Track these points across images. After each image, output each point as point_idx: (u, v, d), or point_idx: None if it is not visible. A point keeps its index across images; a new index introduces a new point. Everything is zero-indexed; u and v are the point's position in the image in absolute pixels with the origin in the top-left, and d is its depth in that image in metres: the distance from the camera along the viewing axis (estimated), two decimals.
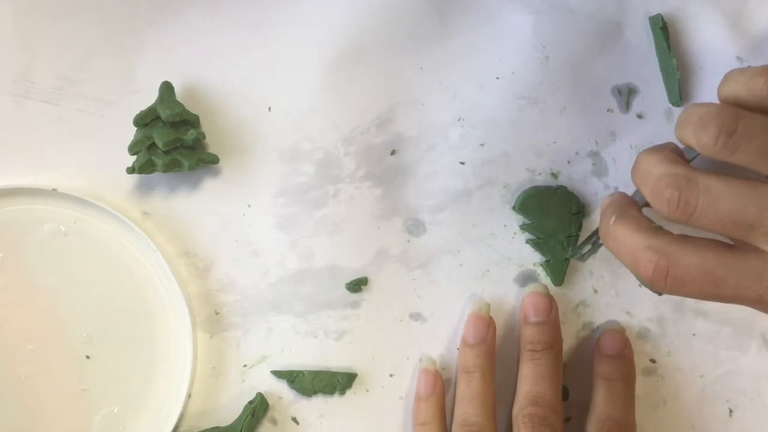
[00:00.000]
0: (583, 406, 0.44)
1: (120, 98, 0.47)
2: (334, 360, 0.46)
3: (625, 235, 0.35)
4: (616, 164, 0.46)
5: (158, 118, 0.44)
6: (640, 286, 0.45)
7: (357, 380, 0.46)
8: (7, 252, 0.46)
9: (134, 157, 0.44)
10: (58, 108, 0.47)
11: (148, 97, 0.45)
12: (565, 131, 0.47)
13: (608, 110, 0.47)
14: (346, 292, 0.46)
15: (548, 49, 0.47)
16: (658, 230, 0.35)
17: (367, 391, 0.46)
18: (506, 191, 0.46)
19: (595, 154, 0.47)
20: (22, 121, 0.47)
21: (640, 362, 0.46)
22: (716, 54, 0.46)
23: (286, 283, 0.46)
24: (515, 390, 0.43)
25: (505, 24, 0.47)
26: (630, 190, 0.41)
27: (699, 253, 0.33)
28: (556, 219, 0.45)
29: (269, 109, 0.47)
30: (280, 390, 0.46)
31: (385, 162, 0.47)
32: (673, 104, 0.46)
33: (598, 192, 0.46)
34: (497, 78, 0.47)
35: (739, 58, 0.46)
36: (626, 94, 0.47)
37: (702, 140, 0.33)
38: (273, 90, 0.47)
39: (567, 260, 0.46)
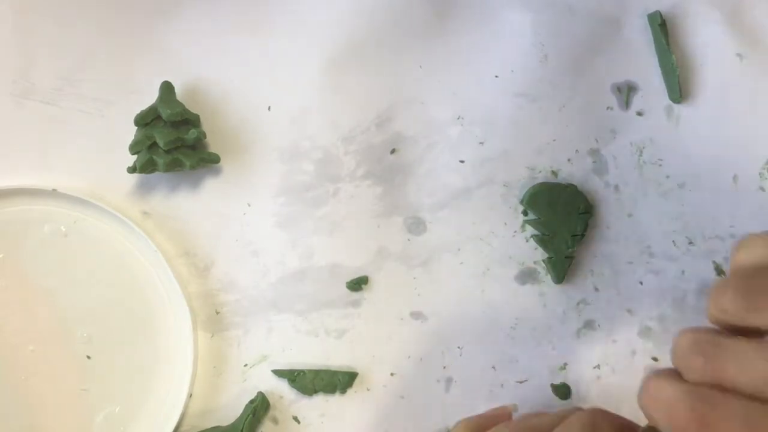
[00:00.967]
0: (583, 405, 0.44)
1: (120, 98, 0.47)
2: (335, 359, 0.46)
3: (661, 385, 0.31)
4: (616, 162, 0.46)
5: (159, 117, 0.45)
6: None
7: (358, 379, 0.46)
8: (7, 252, 0.46)
9: (135, 157, 0.45)
10: (58, 108, 0.47)
11: (148, 97, 0.45)
12: (564, 129, 0.47)
13: (608, 108, 0.47)
14: (347, 290, 0.46)
15: (547, 47, 0.47)
16: (698, 385, 0.31)
17: (368, 390, 0.46)
18: (506, 189, 0.46)
19: (595, 152, 0.47)
20: (22, 121, 0.47)
21: (643, 360, 0.46)
22: (715, 50, 0.46)
23: (287, 283, 0.46)
24: None
25: (504, 22, 0.47)
26: (631, 187, 0.41)
27: (741, 403, 0.29)
28: (562, 216, 0.45)
29: (269, 108, 0.47)
30: (281, 389, 0.46)
31: (385, 161, 0.47)
32: (673, 101, 0.46)
33: (598, 190, 0.46)
34: (496, 76, 0.47)
35: (738, 55, 0.46)
36: (626, 92, 0.47)
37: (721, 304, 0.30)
38: (273, 90, 0.47)
39: (569, 258, 0.45)
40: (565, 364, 0.46)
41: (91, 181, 0.46)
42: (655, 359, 0.46)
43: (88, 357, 0.46)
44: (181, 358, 0.45)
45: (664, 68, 0.46)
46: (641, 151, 0.46)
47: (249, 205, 0.47)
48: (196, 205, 0.47)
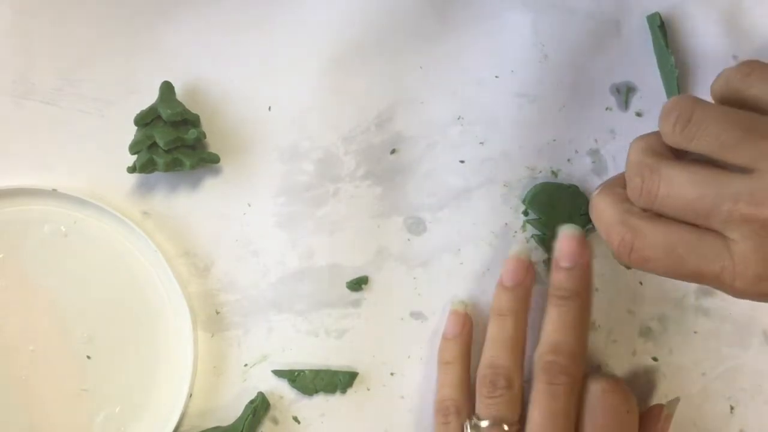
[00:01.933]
0: None
1: (120, 98, 0.47)
2: (335, 359, 0.46)
3: (603, 207, 0.37)
4: (615, 162, 0.47)
5: (159, 117, 0.45)
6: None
7: (358, 379, 0.46)
8: (7, 252, 0.46)
9: (134, 157, 0.45)
10: (57, 108, 0.47)
11: (148, 97, 0.45)
12: (564, 129, 0.47)
13: (607, 108, 0.47)
14: (347, 290, 0.46)
15: (547, 47, 0.47)
16: (632, 207, 0.36)
17: (368, 389, 0.46)
18: (506, 189, 0.47)
19: (594, 152, 0.47)
20: (22, 121, 0.47)
21: (643, 360, 0.46)
22: (714, 51, 0.47)
23: (287, 282, 0.46)
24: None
25: (504, 22, 0.47)
26: None
27: (664, 231, 0.34)
28: (564, 217, 0.45)
29: (269, 108, 0.47)
30: (281, 389, 0.46)
31: (385, 161, 0.47)
32: None
33: None
34: (496, 76, 0.47)
35: (735, 57, 0.46)
36: (625, 93, 0.47)
37: (663, 128, 0.35)
38: (273, 90, 0.47)
39: None
40: None
41: (91, 181, 0.46)
42: (655, 359, 0.46)
43: (88, 357, 0.46)
44: (181, 358, 0.45)
45: (663, 69, 0.46)
46: None
47: (249, 205, 0.47)
48: (196, 205, 0.47)
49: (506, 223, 0.47)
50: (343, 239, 0.46)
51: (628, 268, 0.38)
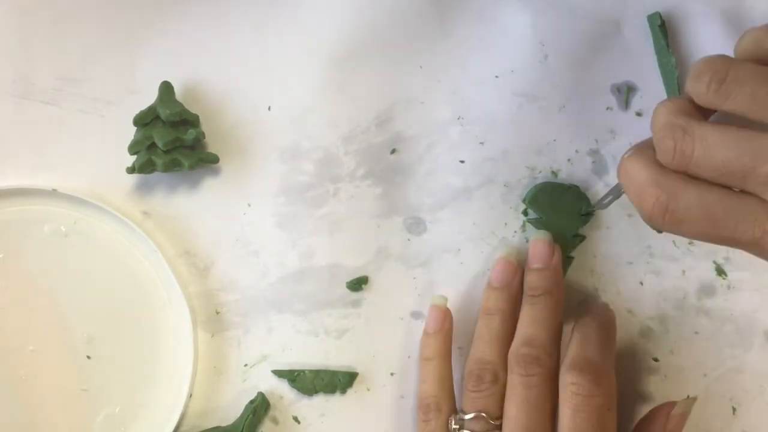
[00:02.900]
0: None
1: (120, 98, 0.47)
2: (335, 359, 0.46)
3: (634, 169, 0.35)
4: (615, 162, 0.46)
5: (158, 117, 0.45)
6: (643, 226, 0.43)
7: (358, 379, 0.46)
8: (7, 252, 0.46)
9: (134, 157, 0.45)
10: (57, 108, 0.47)
11: (148, 97, 0.45)
12: (564, 129, 0.47)
13: (607, 108, 0.47)
14: (347, 290, 0.46)
15: (547, 47, 0.47)
16: (666, 169, 0.35)
17: (368, 390, 0.46)
18: (506, 189, 0.46)
19: (594, 152, 0.47)
20: (22, 121, 0.47)
21: (643, 361, 0.46)
22: (715, 51, 0.46)
23: (287, 282, 0.46)
24: None
25: (505, 22, 0.47)
26: None
27: (700, 192, 0.33)
28: (564, 217, 0.45)
29: (269, 108, 0.47)
30: (281, 389, 0.46)
31: (385, 160, 0.47)
32: None
33: (598, 190, 0.46)
34: (496, 76, 0.47)
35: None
36: (625, 92, 0.47)
37: (696, 89, 0.34)
38: (273, 90, 0.47)
39: (569, 258, 0.46)
40: None
41: (91, 181, 0.46)
42: (655, 359, 0.46)
43: (88, 357, 0.46)
44: (182, 358, 0.45)
45: (664, 69, 0.46)
46: None
47: (249, 205, 0.47)
48: (196, 205, 0.47)
49: (506, 223, 0.46)
50: (343, 239, 0.46)
51: (660, 231, 0.36)
